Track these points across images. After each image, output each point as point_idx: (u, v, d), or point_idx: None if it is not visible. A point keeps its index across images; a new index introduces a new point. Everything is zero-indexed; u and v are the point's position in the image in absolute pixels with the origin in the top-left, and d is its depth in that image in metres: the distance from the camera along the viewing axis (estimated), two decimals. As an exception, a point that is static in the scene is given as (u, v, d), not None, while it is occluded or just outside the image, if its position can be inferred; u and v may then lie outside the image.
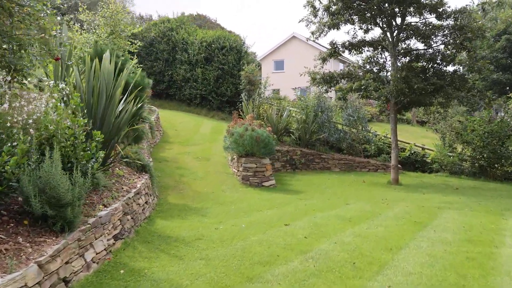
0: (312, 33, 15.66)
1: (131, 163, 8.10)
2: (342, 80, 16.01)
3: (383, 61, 15.71)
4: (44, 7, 4.54)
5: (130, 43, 13.01)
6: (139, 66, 13.52)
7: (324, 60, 15.94)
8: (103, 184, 5.98)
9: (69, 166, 4.90)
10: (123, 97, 7.39)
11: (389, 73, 15.36)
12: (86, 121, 5.45)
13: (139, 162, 8.21)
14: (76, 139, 5.06)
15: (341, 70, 16.49)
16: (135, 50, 13.54)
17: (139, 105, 13.01)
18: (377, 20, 15.12)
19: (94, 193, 5.74)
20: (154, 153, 13.81)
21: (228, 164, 13.44)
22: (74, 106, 5.48)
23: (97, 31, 12.43)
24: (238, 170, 12.25)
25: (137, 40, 13.10)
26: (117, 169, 7.55)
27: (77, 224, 4.48)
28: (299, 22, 14.76)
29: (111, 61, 7.22)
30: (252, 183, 11.78)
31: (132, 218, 6.19)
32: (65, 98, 5.88)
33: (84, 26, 12.34)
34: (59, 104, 5.23)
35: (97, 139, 5.50)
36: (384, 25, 14.99)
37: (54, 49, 5.04)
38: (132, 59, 13.29)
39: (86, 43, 12.08)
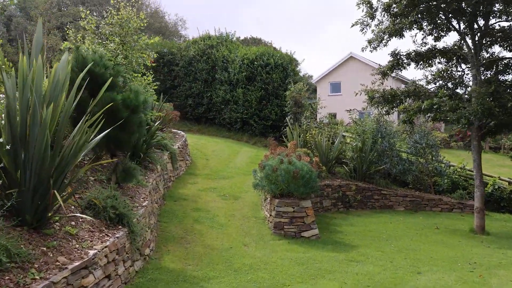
0: (369, 42, 13.04)
1: (100, 213, 5.86)
2: (407, 100, 13.15)
3: (460, 74, 12.69)
4: None
5: (145, 56, 11.09)
6: (153, 83, 11.51)
7: (384, 74, 13.23)
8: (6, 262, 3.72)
9: None
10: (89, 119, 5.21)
11: (468, 88, 12.30)
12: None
13: (113, 211, 5.94)
14: None
15: (405, 87, 13.61)
16: (151, 65, 11.60)
17: (155, 131, 11.00)
18: (453, 23, 12.20)
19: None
20: (173, 189, 11.65)
21: (262, 205, 10.94)
22: None
23: (103, 42, 10.64)
24: (270, 215, 9.71)
25: (153, 52, 11.09)
26: (72, 222, 5.32)
27: None
28: (352, 26, 12.19)
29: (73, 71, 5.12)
30: (288, 232, 9.18)
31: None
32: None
33: (87, 35, 10.57)
34: None
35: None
36: (463, 28, 12.04)
37: None
38: (145, 74, 11.36)
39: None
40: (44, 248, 4.38)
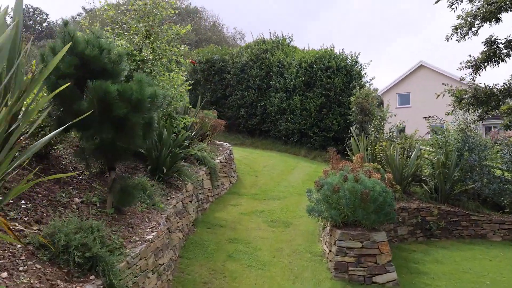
0: (456, 28, 10.43)
1: (60, 256, 3.86)
2: (506, 100, 10.31)
3: None
4: None
5: (176, 50, 9.25)
6: (186, 82, 9.62)
7: (477, 68, 10.50)
8: None
9: None
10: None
11: None
12: None
13: (82, 253, 3.91)
14: None
15: (503, 84, 10.71)
16: (184, 61, 9.73)
17: (183, 140, 9.04)
18: None
19: None
20: (209, 212, 9.60)
21: (319, 234, 8.57)
22: None
23: (124, 33, 8.92)
24: (329, 250, 7.31)
25: (184, 45, 9.21)
26: (4, 274, 3.35)
27: None
28: (436, 2, 9.58)
29: None
30: (354, 277, 6.73)
31: None
32: None
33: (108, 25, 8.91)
34: None
35: None
36: None
37: None
38: (172, 70, 9.51)
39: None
40: None
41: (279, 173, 13.86)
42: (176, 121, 9.19)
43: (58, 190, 5.35)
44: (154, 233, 5.55)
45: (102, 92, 5.17)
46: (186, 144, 8.85)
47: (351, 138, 13.83)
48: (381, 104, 32.19)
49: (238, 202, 10.53)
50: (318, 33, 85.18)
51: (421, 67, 31.80)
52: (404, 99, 32.29)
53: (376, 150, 12.56)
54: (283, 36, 22.00)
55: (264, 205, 10.48)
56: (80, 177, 6.13)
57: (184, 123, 9.44)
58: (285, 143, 19.74)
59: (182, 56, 9.74)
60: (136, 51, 9.05)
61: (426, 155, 13.66)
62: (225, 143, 13.82)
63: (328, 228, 7.61)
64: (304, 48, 20.56)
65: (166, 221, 6.58)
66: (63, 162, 6.34)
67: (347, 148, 14.26)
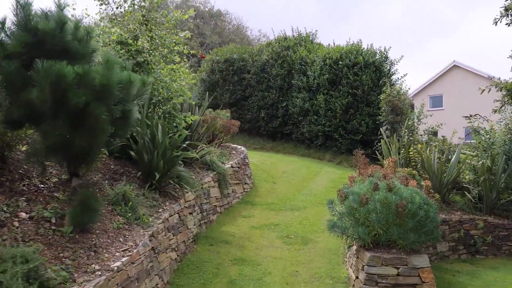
0: (506, 10, 8.93)
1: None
2: None
3: None
4: None
5: (177, 38, 8.06)
6: (190, 75, 8.39)
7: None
8: None
9: None
10: None
11: None
12: None
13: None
14: None
15: None
16: (187, 51, 8.50)
17: (180, 140, 7.78)
18: None
19: None
20: (215, 225, 8.35)
21: (344, 254, 7.15)
22: None
23: (117, 19, 7.77)
24: (356, 277, 5.89)
25: (186, 31, 7.99)
26: None
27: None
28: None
29: None
30: (388, 313, 5.29)
31: None
32: None
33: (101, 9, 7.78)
34: None
35: None
36: None
37: None
38: (178, 60, 8.31)
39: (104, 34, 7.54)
40: None
41: (300, 180, 12.45)
42: (176, 120, 7.97)
43: (3, 201, 4.18)
44: (125, 258, 4.30)
45: (54, 76, 3.97)
46: (185, 146, 7.58)
47: (381, 140, 12.34)
48: (411, 107, 30.42)
49: (251, 213, 9.21)
50: (345, 37, 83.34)
51: (454, 67, 30.02)
52: (436, 101, 30.53)
53: (410, 153, 11.04)
54: (306, 33, 20.61)
55: (280, 216, 9.12)
56: (42, 186, 4.95)
57: (185, 122, 8.20)
58: (308, 147, 18.29)
59: (185, 46, 8.53)
60: (131, 39, 7.90)
61: (468, 160, 12.04)
62: (239, 146, 12.53)
63: (354, 247, 6.20)
64: (329, 44, 19.11)
65: (151, 240, 5.33)
66: (25, 167, 5.18)
67: (376, 152, 12.73)
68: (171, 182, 7.06)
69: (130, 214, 5.51)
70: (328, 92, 17.12)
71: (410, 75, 48.38)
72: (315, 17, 70.73)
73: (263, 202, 10.08)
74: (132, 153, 6.86)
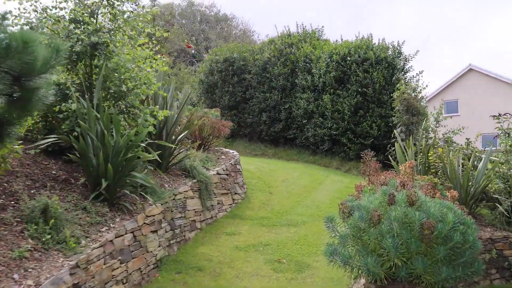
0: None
1: None
2: None
3: None
4: None
5: (141, 13, 6.61)
6: (160, 58, 6.91)
7: None
8: None
9: None
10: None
11: None
12: None
13: None
14: None
15: None
16: (159, 33, 7.02)
17: (141, 139, 6.23)
18: None
19: None
20: (191, 244, 6.84)
21: (350, 286, 5.55)
22: None
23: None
24: (365, 325, 4.29)
25: (151, 5, 6.51)
26: None
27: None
28: None
29: None
30: None
31: None
32: None
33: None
34: None
35: None
36: None
37: None
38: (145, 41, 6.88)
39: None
40: None
41: (301, 190, 10.85)
42: (141, 114, 6.47)
43: None
44: None
45: None
46: (144, 146, 6.04)
47: (395, 143, 10.73)
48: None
49: (237, 230, 7.64)
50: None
51: (470, 71, 28.57)
52: (451, 107, 28.80)
53: (430, 158, 9.43)
54: (312, 29, 19.10)
55: (273, 234, 7.54)
56: None
57: (155, 118, 6.69)
58: (313, 153, 16.68)
59: (157, 27, 7.05)
60: (87, 16, 6.45)
61: (497, 168, 10.37)
62: (231, 151, 11.00)
63: (362, 282, 4.62)
64: (336, 41, 17.55)
65: (74, 273, 3.80)
66: None
67: (390, 157, 11.11)
68: (127, 192, 5.55)
69: (49, 236, 4.01)
70: (335, 91, 15.53)
71: (425, 79, 46.57)
72: (325, 21, 69.43)
73: (254, 216, 8.51)
74: (72, 155, 5.37)
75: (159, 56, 6.94)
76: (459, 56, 74.69)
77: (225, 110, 19.22)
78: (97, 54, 6.32)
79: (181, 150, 8.13)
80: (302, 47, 17.37)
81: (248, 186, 10.45)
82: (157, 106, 6.80)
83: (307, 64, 16.82)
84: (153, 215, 5.92)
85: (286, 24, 62.36)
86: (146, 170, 6.12)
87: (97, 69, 6.48)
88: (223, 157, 10.04)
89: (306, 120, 16.58)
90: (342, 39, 17.21)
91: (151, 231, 5.79)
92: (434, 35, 72.39)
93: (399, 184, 4.67)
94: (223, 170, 9.05)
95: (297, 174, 12.48)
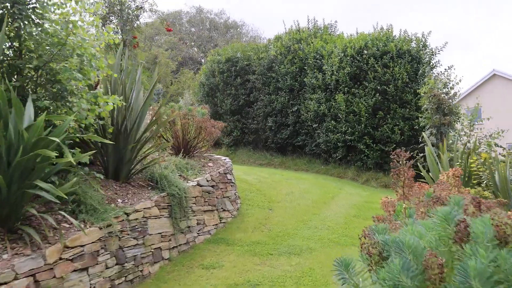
0: None
1: None
2: None
3: None
4: None
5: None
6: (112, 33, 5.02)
7: None
8: None
9: None
10: None
11: None
12: None
13: None
14: None
15: None
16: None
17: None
18: None
19: None
20: (149, 284, 4.86)
21: None
22: None
23: None
24: None
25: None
26: None
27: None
28: None
29: None
30: None
31: None
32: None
33: None
34: None
35: None
36: None
37: None
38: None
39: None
40: None
41: (309, 206, 8.84)
42: (75, 104, 4.60)
43: None
44: None
45: None
46: (69, 143, 4.16)
47: (425, 148, 8.70)
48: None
49: (219, 261, 5.68)
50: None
51: (494, 76, 26.85)
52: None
53: (472, 166, 7.40)
54: (324, 24, 17.21)
55: (267, 267, 5.56)
56: None
57: (98, 106, 4.82)
58: (325, 162, 14.68)
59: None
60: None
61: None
62: (223, 157, 9.07)
63: None
64: (351, 35, 15.59)
65: None
66: None
67: (418, 164, 9.06)
68: (34, 211, 3.64)
69: None
70: (350, 90, 13.55)
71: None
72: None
73: (245, 241, 6.54)
74: None
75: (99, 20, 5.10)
76: (476, 62, 72.25)
77: (227, 115, 17.44)
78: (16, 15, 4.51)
79: (145, 154, 6.24)
80: (312, 43, 15.47)
81: (244, 201, 8.50)
82: (101, 91, 4.91)
83: (318, 61, 14.89)
84: (82, 245, 4.02)
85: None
86: (75, 179, 4.23)
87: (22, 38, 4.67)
88: (210, 164, 8.11)
89: (316, 124, 14.60)
90: (357, 33, 15.26)
91: (74, 270, 3.88)
92: (452, 40, 69.90)
93: (470, 202, 2.68)
94: (207, 181, 7.11)
95: (305, 186, 10.47)
